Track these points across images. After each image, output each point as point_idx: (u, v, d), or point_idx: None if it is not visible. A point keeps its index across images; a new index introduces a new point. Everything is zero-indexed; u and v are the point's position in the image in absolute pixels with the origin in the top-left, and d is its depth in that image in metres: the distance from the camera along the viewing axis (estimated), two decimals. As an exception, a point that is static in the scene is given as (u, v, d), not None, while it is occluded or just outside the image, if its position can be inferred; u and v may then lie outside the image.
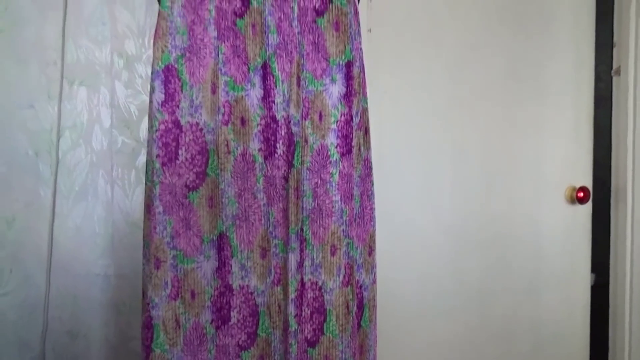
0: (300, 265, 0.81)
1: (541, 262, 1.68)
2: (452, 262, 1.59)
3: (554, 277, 1.69)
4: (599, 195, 1.79)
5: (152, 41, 1.33)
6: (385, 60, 1.52)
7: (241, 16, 0.81)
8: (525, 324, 1.65)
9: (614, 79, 1.73)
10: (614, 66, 1.73)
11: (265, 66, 0.81)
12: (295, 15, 0.81)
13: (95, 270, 1.32)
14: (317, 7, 0.81)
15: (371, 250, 0.90)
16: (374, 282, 0.92)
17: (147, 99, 1.33)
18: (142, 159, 1.35)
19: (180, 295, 0.79)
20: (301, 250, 0.81)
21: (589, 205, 1.71)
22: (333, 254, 0.82)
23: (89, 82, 1.30)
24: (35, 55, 1.26)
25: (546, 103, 1.70)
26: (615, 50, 1.72)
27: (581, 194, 1.68)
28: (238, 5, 0.80)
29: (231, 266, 0.81)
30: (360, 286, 0.88)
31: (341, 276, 0.82)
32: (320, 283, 0.82)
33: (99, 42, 1.30)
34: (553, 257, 1.69)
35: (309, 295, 0.82)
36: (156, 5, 1.33)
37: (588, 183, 1.71)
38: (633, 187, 1.65)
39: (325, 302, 0.81)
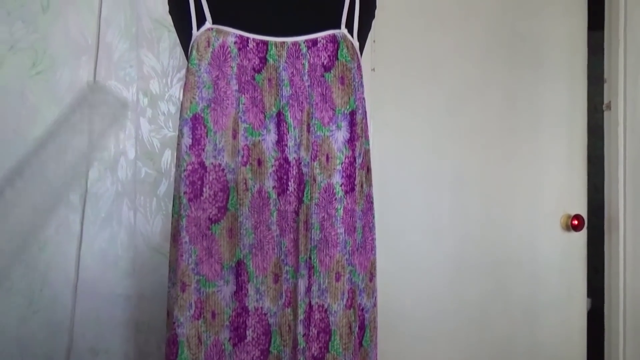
0: (309, 289, 0.89)
1: (538, 287, 1.69)
2: (452, 286, 1.61)
3: (550, 301, 1.70)
4: (595, 222, 1.82)
5: (174, 81, 1.46)
6: (388, 97, 1.57)
7: (259, 71, 0.91)
8: (523, 347, 1.66)
9: (605, 113, 1.79)
10: (605, 101, 1.81)
11: (279, 114, 0.91)
12: (306, 70, 0.91)
13: (117, 291, 1.39)
14: (325, 63, 0.91)
15: (372, 277, 0.98)
16: (375, 305, 1.00)
17: (168, 133, 1.43)
18: (163, 188, 1.44)
19: (202, 316, 0.88)
20: (309, 277, 0.89)
21: (584, 233, 1.73)
22: (338, 280, 0.89)
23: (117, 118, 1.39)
24: (69, 94, 1.35)
25: (541, 134, 1.72)
26: (605, 86, 1.78)
27: (576, 222, 1.70)
28: (256, 62, 0.91)
29: (247, 290, 0.89)
30: (362, 309, 0.96)
31: (345, 300, 0.89)
32: (326, 306, 0.89)
33: (126, 83, 1.40)
34: (550, 282, 1.70)
35: (316, 317, 0.89)
36: (178, 49, 1.46)
37: (583, 211, 1.74)
38: (625, 217, 1.69)
39: (330, 323, 0.88)
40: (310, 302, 0.89)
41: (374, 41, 1.55)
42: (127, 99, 1.41)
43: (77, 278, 1.37)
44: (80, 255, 1.37)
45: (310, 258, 0.89)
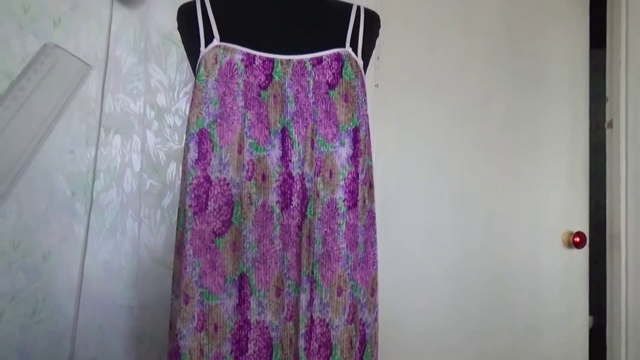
0: (310, 303, 0.90)
1: (540, 304, 1.69)
2: (453, 302, 1.61)
3: (552, 318, 1.70)
4: (596, 239, 1.83)
5: (180, 95, 1.48)
6: (391, 112, 1.59)
7: (265, 88, 0.93)
8: (524, 364, 1.66)
9: (607, 131, 1.80)
10: (607, 119, 1.82)
11: (284, 130, 0.92)
12: (311, 87, 0.93)
13: (120, 301, 1.40)
14: (329, 81, 0.93)
15: (373, 292, 0.99)
16: (376, 320, 1.01)
17: (174, 146, 1.45)
18: (168, 200, 1.46)
19: (204, 328, 0.89)
20: (311, 291, 0.89)
21: (586, 250, 1.74)
22: (339, 294, 0.90)
23: (123, 131, 1.41)
24: (77, 107, 1.37)
25: (543, 151, 1.74)
26: (607, 104, 1.80)
27: (577, 239, 1.71)
28: (262, 79, 0.93)
29: (250, 303, 0.90)
30: (363, 324, 0.96)
31: (346, 314, 0.90)
32: (327, 320, 0.90)
33: (134, 96, 1.42)
34: (551, 299, 1.70)
35: (317, 331, 0.89)
36: (185, 63, 1.48)
37: (585, 228, 1.74)
38: (627, 234, 1.70)
39: (332, 338, 0.89)
40: (311, 316, 0.90)
41: (378, 58, 1.57)
42: (134, 111, 1.43)
43: (80, 288, 1.37)
44: (84, 266, 1.37)
45: (312, 272, 0.90)
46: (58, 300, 1.36)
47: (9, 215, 1.33)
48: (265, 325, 0.91)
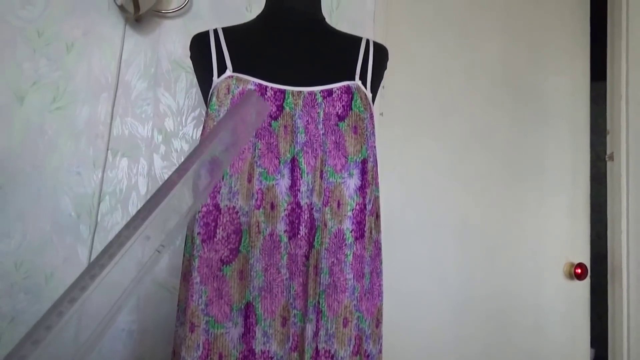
0: (316, 334, 0.89)
1: (541, 335, 1.67)
2: (456, 333, 1.60)
3: (554, 350, 1.68)
4: (598, 271, 1.83)
5: (188, 119, 1.49)
6: (395, 141, 1.60)
7: (276, 119, 0.94)
8: (526, 396, 1.64)
9: (608, 164, 1.83)
10: (608, 152, 1.84)
11: (293, 160, 0.93)
12: (321, 119, 0.94)
13: (120, 325, 1.37)
14: (339, 113, 0.95)
15: (378, 323, 0.99)
16: (380, 352, 1.00)
17: (180, 169, 1.46)
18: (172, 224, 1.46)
19: (209, 357, 0.88)
20: (317, 321, 0.89)
21: (587, 281, 1.73)
22: (345, 325, 0.90)
23: (131, 154, 1.42)
24: (86, 129, 1.39)
25: (544, 182, 1.74)
26: (608, 137, 1.83)
27: (579, 271, 1.70)
28: (274, 110, 0.94)
29: (255, 332, 0.89)
30: (368, 355, 0.95)
31: (351, 346, 0.90)
32: (332, 351, 0.89)
33: (142, 120, 1.43)
34: (553, 331, 1.69)
35: None
36: (194, 89, 1.50)
37: (586, 259, 1.74)
38: (628, 266, 1.69)
39: None
40: (317, 347, 0.89)
41: (383, 87, 1.59)
42: (142, 135, 1.44)
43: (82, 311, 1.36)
44: (86, 288, 1.37)
45: (318, 303, 0.90)
46: (58, 322, 1.35)
47: (12, 235, 1.33)
48: (270, 355, 0.91)
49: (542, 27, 1.84)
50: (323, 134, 0.94)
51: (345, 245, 0.91)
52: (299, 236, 0.91)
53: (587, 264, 1.75)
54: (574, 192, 1.78)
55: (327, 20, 1.12)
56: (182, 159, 1.47)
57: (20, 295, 1.33)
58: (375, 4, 1.61)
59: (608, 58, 1.83)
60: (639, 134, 1.71)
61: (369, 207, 0.95)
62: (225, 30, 1.02)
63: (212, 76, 0.97)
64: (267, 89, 0.95)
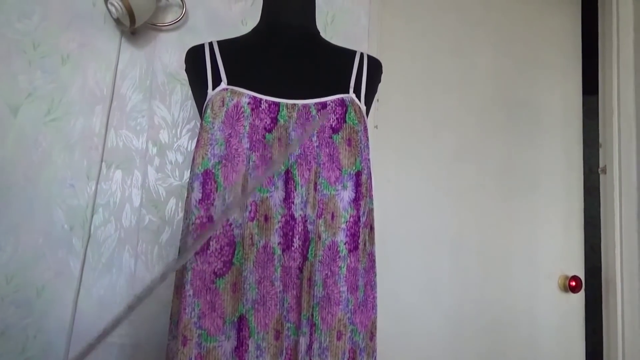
0: (310, 347, 0.88)
1: (536, 348, 1.67)
2: (450, 346, 1.59)
3: None
4: (592, 284, 1.83)
5: (183, 132, 1.50)
6: (389, 154, 1.61)
7: (270, 131, 0.94)
8: (521, 410, 1.63)
9: (601, 176, 1.84)
10: (600, 165, 1.86)
11: (287, 172, 0.93)
12: (315, 131, 0.95)
13: (112, 339, 1.35)
14: (333, 125, 0.95)
15: (372, 336, 0.98)
16: (374, 365, 1.00)
17: (174, 182, 1.46)
18: (165, 236, 1.45)
19: (201, 371, 0.87)
20: (311, 334, 0.88)
21: (582, 294, 1.73)
22: (339, 338, 0.89)
23: (125, 166, 1.41)
24: (80, 141, 1.39)
25: (538, 196, 1.75)
26: (601, 150, 1.85)
27: (573, 283, 1.70)
28: (268, 122, 0.94)
29: (248, 346, 0.88)
30: (362, 369, 0.96)
31: (345, 359, 0.90)
32: (326, 365, 0.89)
33: (137, 132, 1.43)
34: (548, 344, 1.69)
35: None
36: (189, 102, 1.51)
37: (580, 272, 1.74)
38: (622, 279, 1.70)
39: None
40: (310, 360, 0.88)
41: (378, 100, 1.60)
42: (136, 147, 1.44)
43: (73, 325, 1.35)
44: (78, 301, 1.35)
45: (312, 315, 0.89)
46: (49, 336, 1.33)
47: (4, 247, 1.32)
48: (263, 369, 0.90)
49: (533, 42, 1.86)
50: (317, 147, 0.94)
51: (339, 257, 0.91)
52: (292, 248, 0.91)
53: (582, 276, 1.75)
54: (567, 205, 1.79)
55: (322, 34, 1.14)
56: (177, 172, 1.47)
57: (11, 309, 1.31)
58: (369, 19, 1.63)
59: (600, 72, 1.85)
60: (631, 146, 1.73)
61: (363, 219, 0.95)
62: (221, 43, 1.03)
63: (207, 89, 0.97)
64: (262, 102, 0.95)
